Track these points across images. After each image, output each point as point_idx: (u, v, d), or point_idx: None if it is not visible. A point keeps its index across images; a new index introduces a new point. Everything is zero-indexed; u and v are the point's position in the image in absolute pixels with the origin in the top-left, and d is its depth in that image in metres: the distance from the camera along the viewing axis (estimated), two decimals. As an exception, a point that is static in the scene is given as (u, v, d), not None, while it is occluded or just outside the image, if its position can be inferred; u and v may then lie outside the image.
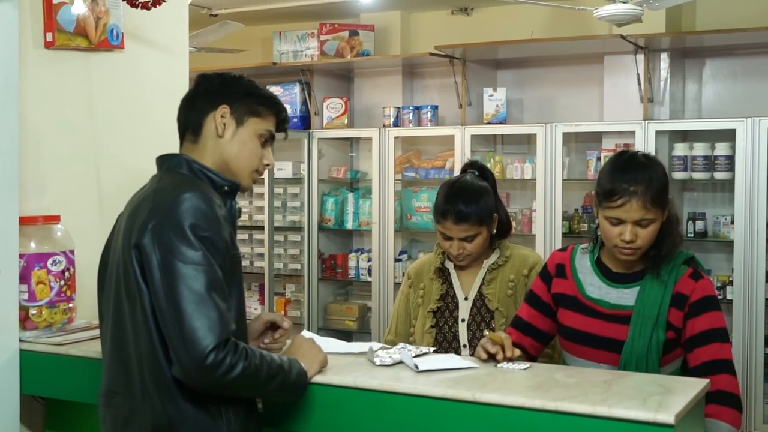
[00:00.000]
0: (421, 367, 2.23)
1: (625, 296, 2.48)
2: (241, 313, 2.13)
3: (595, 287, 2.53)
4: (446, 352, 2.88)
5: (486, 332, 2.47)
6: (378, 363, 2.30)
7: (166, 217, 2.00)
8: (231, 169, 2.20)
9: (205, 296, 1.95)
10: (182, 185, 2.06)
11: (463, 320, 2.93)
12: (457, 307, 2.95)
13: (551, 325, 2.64)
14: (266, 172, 6.28)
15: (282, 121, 2.30)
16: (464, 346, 2.89)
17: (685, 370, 2.44)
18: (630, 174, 2.39)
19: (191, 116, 2.22)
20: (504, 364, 2.30)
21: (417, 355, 2.34)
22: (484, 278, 2.94)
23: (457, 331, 2.92)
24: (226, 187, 2.18)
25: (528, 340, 2.62)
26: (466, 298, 2.95)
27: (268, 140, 2.26)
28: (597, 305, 2.50)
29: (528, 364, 2.31)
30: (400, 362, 2.30)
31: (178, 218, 1.99)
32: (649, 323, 2.40)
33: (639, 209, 2.37)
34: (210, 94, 2.21)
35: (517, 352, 2.38)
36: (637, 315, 2.43)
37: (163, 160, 2.22)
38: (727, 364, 2.39)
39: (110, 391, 2.16)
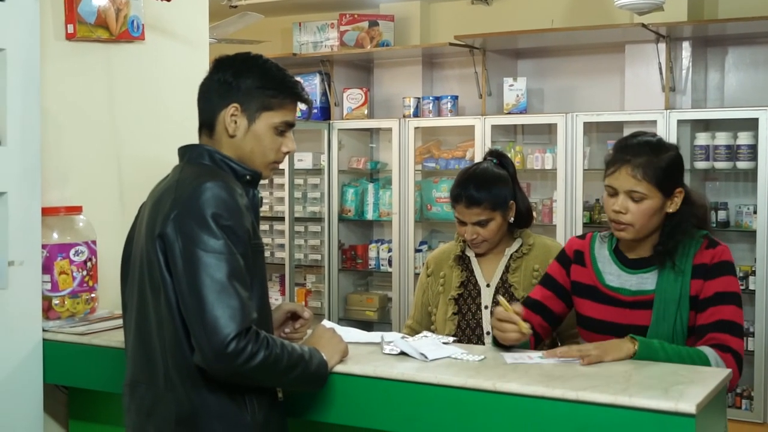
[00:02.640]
0: (430, 357, 2.24)
1: (646, 281, 2.46)
2: (263, 302, 2.14)
3: (614, 276, 2.51)
4: (469, 339, 2.89)
5: (499, 297, 2.48)
6: (386, 352, 2.31)
7: (187, 207, 2.01)
8: (248, 164, 2.19)
9: (226, 285, 1.95)
10: (203, 175, 2.07)
11: (486, 307, 2.93)
12: (479, 294, 2.96)
13: (563, 307, 2.63)
14: (287, 163, 6.35)
15: (300, 101, 2.24)
16: (487, 333, 2.88)
17: (693, 328, 2.39)
18: (632, 147, 2.42)
19: (206, 110, 2.21)
20: (516, 357, 2.28)
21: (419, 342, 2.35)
22: (508, 266, 2.95)
23: (481, 318, 2.93)
24: (247, 177, 2.17)
25: (537, 318, 2.60)
26: (488, 285, 2.95)
27: (285, 130, 2.22)
28: (617, 293, 2.49)
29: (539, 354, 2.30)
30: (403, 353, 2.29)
31: (200, 208, 1.99)
32: (672, 306, 2.39)
33: (628, 177, 2.38)
34: (222, 86, 2.18)
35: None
36: (659, 299, 2.41)
37: (185, 151, 2.22)
38: (739, 328, 2.37)
39: (134, 381, 2.17)
